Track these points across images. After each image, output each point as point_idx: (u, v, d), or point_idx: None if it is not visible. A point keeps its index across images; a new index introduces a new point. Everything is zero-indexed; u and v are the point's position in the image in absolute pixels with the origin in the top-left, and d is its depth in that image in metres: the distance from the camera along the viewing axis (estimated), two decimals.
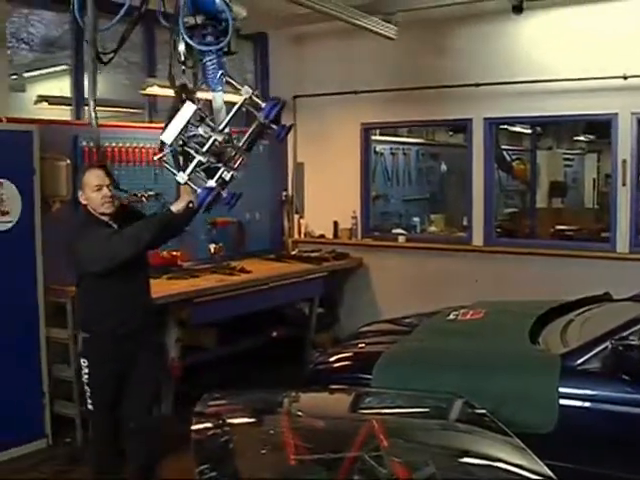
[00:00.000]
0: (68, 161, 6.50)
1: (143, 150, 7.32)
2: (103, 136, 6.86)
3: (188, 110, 3.98)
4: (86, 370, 4.73)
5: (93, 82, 4.87)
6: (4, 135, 5.86)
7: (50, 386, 6.17)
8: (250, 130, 4.10)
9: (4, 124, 5.98)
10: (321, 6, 6.73)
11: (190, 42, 3.91)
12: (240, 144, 4.10)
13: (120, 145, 7.16)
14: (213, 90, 4.07)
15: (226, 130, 4.01)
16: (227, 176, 4.00)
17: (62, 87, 7.37)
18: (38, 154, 6.07)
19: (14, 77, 7.02)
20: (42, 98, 7.19)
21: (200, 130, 3.99)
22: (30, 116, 6.64)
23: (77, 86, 7.20)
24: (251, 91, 3.97)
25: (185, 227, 5.09)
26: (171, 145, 4.03)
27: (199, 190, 4.02)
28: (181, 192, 4.67)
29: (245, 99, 3.98)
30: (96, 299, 4.75)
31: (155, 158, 4.25)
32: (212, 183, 3.98)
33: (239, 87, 4.02)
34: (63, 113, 7.29)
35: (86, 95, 4.97)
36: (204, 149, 3.99)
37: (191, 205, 4.52)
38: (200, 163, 4.01)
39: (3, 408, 5.71)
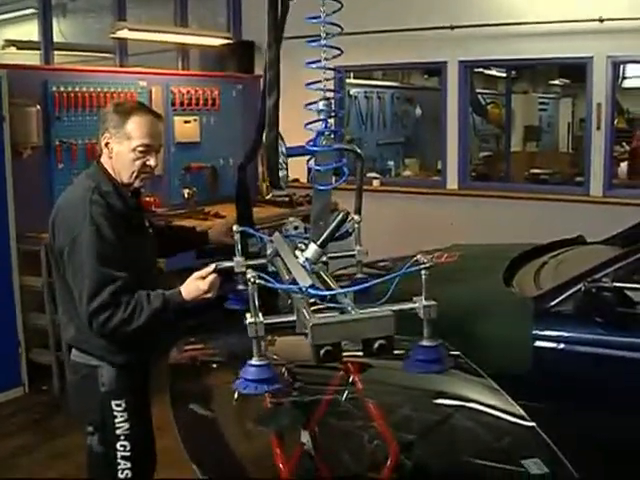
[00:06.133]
0: (38, 107, 6.40)
1: (115, 95, 7.13)
2: (72, 81, 6.78)
3: None
4: (124, 416, 3.15)
5: None
6: None
7: (25, 334, 6.16)
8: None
9: None
10: None
11: None
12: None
13: (91, 90, 6.95)
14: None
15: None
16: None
17: (30, 31, 7.24)
18: (7, 100, 5.95)
19: None
20: (10, 42, 7.06)
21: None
22: None
23: (45, 30, 7.06)
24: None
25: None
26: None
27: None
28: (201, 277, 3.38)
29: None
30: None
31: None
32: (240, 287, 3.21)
33: None
34: (31, 58, 7.17)
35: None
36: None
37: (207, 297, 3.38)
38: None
39: None
